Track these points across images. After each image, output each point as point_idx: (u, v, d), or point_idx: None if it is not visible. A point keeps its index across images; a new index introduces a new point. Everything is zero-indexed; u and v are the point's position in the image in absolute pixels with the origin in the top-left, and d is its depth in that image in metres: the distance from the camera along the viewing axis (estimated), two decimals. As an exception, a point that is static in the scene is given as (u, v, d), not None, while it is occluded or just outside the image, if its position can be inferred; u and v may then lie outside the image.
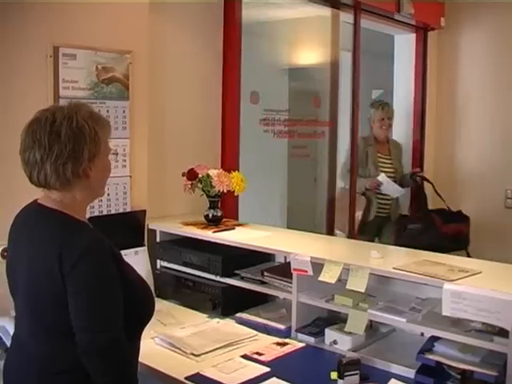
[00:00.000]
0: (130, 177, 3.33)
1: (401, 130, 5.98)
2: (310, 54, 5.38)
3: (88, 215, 3.10)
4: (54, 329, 1.91)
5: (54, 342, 1.92)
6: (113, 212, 3.28)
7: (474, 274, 2.51)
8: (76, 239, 1.88)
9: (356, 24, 5.16)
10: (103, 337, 1.84)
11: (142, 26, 3.38)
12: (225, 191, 3.44)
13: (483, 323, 2.35)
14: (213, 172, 3.46)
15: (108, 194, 3.23)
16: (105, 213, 3.25)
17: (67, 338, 1.86)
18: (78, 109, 1.96)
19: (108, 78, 3.23)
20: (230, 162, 4.01)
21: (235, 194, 3.55)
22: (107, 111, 3.22)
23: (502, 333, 2.27)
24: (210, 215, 3.53)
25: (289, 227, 4.70)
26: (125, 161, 3.30)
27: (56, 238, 1.89)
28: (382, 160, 5.35)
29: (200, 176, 3.45)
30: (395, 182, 5.26)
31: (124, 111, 3.29)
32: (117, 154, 2.05)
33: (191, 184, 3.47)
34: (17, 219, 2.10)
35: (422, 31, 5.92)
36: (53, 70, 3.00)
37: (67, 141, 1.88)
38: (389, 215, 5.37)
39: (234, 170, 3.56)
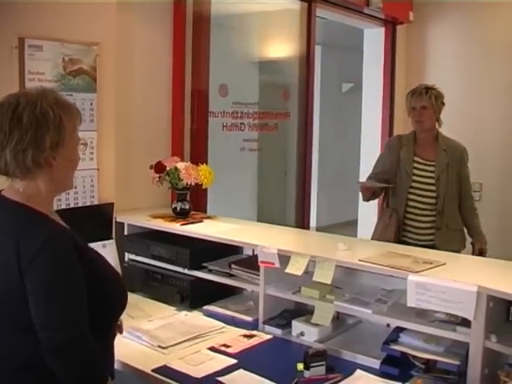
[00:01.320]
0: (98, 169, 3.32)
1: (369, 124, 6.01)
2: (280, 48, 5.38)
3: (55, 208, 3.11)
4: (12, 324, 1.85)
5: (12, 337, 1.85)
6: (80, 205, 3.27)
7: (438, 266, 2.54)
8: (34, 232, 1.82)
9: (310, 15, 5.12)
10: (64, 334, 1.78)
11: (110, 18, 3.37)
12: (193, 184, 3.44)
13: (447, 314, 2.39)
14: (180, 165, 3.45)
15: (75, 187, 3.20)
16: (72, 206, 3.23)
17: (27, 333, 1.80)
18: (45, 95, 1.88)
19: (75, 70, 3.21)
20: (198, 155, 4.00)
21: (203, 186, 3.55)
22: (74, 104, 3.18)
23: (465, 323, 2.31)
24: (178, 208, 3.52)
25: (259, 220, 4.71)
26: (92, 153, 3.29)
27: (14, 231, 1.83)
28: (420, 167, 3.96)
29: (168, 169, 3.44)
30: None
31: (91, 103, 3.27)
32: (86, 145, 1.96)
33: (159, 177, 3.46)
34: None
35: (390, 25, 5.95)
36: (18, 61, 2.98)
37: (28, 126, 1.81)
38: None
39: (203, 163, 3.56)
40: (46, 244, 1.79)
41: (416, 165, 3.99)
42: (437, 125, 4.01)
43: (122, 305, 2.07)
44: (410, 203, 3.95)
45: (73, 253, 1.84)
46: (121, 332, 2.28)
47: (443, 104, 3.99)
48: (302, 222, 5.19)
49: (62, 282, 1.80)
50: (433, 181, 3.92)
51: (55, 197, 2.06)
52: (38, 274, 1.77)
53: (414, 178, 3.98)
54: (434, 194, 3.91)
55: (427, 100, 3.92)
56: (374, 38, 6.03)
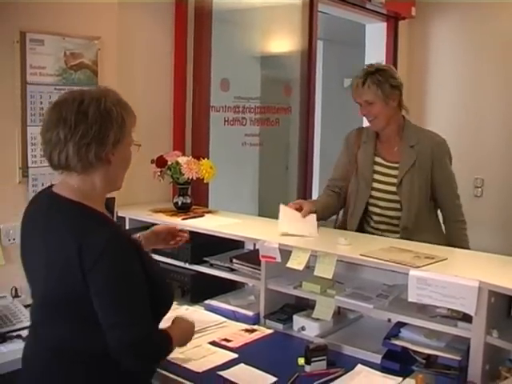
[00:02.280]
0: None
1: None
2: (282, 42, 5.37)
3: (56, 202, 3.11)
4: (72, 318, 1.89)
5: (72, 331, 1.89)
6: (81, 199, 3.25)
7: (439, 261, 2.53)
8: (95, 233, 1.83)
9: (312, 10, 5.12)
10: (134, 332, 1.84)
11: (111, 12, 3.36)
12: (194, 178, 3.44)
13: (448, 309, 2.39)
14: (182, 159, 3.46)
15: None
16: (73, 200, 3.22)
17: (86, 327, 1.86)
18: (107, 93, 1.93)
19: (76, 65, 3.21)
20: (199, 150, 4.00)
21: (205, 181, 3.54)
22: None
23: (466, 318, 2.31)
24: (180, 202, 3.52)
25: (260, 215, 4.71)
26: (93, 148, 3.28)
27: (74, 231, 1.84)
28: (383, 170, 3.23)
29: (169, 163, 3.44)
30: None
31: (92, 98, 3.26)
32: (139, 146, 2.02)
33: (160, 171, 3.46)
34: (31, 206, 2.06)
35: (392, 20, 5.93)
36: (20, 55, 2.97)
37: (94, 121, 1.84)
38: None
39: (204, 158, 3.56)
40: (108, 245, 1.81)
41: (377, 168, 3.23)
42: (404, 112, 3.24)
43: (166, 311, 2.08)
44: (371, 219, 3.27)
45: (134, 252, 1.89)
46: None
47: (395, 87, 3.14)
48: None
49: (127, 281, 1.84)
50: (394, 188, 3.17)
51: (106, 196, 2.04)
52: (103, 275, 1.80)
53: (375, 185, 3.23)
54: (397, 206, 3.17)
55: (367, 91, 3.11)
56: (375, 33, 6.00)
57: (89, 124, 1.84)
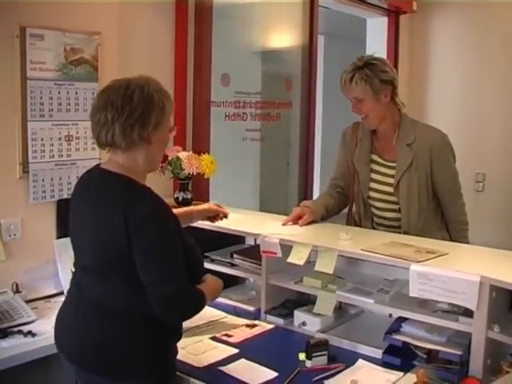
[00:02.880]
0: (100, 159, 3.30)
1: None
2: (283, 37, 5.35)
3: (57, 198, 3.12)
4: (118, 278, 2.07)
5: (117, 289, 2.08)
6: (82, 195, 3.25)
7: (440, 256, 2.53)
8: (140, 200, 2.05)
9: (313, 4, 5.10)
10: (175, 286, 2.03)
11: (111, 7, 3.35)
12: (194, 173, 3.43)
13: (449, 304, 2.38)
14: (182, 154, 3.45)
15: (77, 177, 3.17)
16: (74, 195, 3.22)
17: (127, 290, 2.06)
18: (150, 81, 2.15)
19: (76, 60, 3.20)
20: (200, 145, 3.99)
21: (205, 176, 3.54)
22: (76, 93, 3.19)
23: (467, 313, 2.30)
24: (180, 198, 3.52)
25: (262, 210, 4.70)
26: (94, 143, 3.25)
27: (121, 200, 2.04)
28: (380, 170, 3.13)
29: (170, 158, 3.44)
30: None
31: (93, 93, 3.24)
32: (174, 130, 2.37)
33: (161, 166, 3.45)
34: (81, 181, 2.27)
35: (393, 15, 5.91)
36: (19, 51, 2.95)
37: (138, 105, 2.06)
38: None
39: (205, 153, 3.55)
40: (153, 210, 2.04)
41: (374, 166, 3.12)
42: (399, 107, 3.08)
43: (200, 273, 2.30)
44: (373, 219, 3.21)
45: (173, 221, 2.12)
46: None
47: (385, 82, 2.96)
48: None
49: (168, 242, 2.05)
50: (392, 189, 3.06)
51: (147, 173, 2.24)
52: (147, 236, 2.01)
53: (372, 185, 3.13)
54: (395, 207, 3.08)
55: (355, 88, 2.95)
56: (377, 27, 5.98)
57: (133, 107, 2.06)
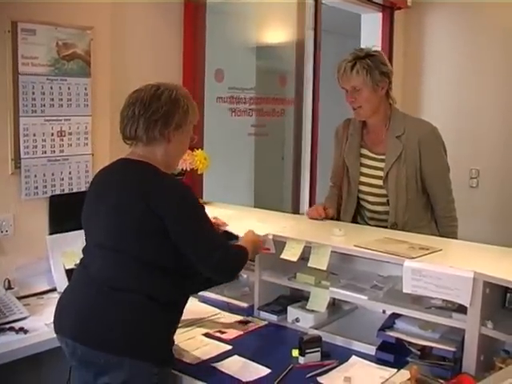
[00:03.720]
0: (92, 155, 3.29)
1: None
2: (277, 33, 5.34)
3: (49, 194, 3.11)
4: (134, 255, 2.16)
5: (130, 265, 2.17)
6: (75, 190, 3.23)
7: (434, 252, 2.53)
8: (164, 181, 2.21)
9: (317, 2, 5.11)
10: (222, 251, 2.24)
11: (104, 2, 3.32)
12: (188, 169, 3.42)
13: (443, 300, 2.38)
14: (176, 150, 3.43)
15: (70, 173, 3.19)
16: (66, 191, 3.20)
17: (146, 265, 2.16)
18: (178, 88, 2.33)
19: (69, 55, 3.17)
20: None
21: (199, 172, 3.53)
22: (68, 88, 3.16)
23: (461, 309, 2.30)
24: (174, 194, 3.50)
25: (256, 206, 4.69)
26: (87, 139, 3.26)
27: (145, 182, 2.20)
28: (370, 163, 3.13)
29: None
30: None
31: (85, 88, 3.23)
32: (195, 139, 2.47)
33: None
34: (102, 171, 2.40)
35: (388, 10, 5.90)
36: (11, 45, 2.93)
37: (164, 103, 2.23)
38: None
39: (198, 149, 3.54)
40: (179, 189, 2.21)
41: (364, 160, 3.12)
42: (391, 101, 3.09)
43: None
44: (364, 215, 3.20)
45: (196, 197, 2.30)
46: None
47: (384, 74, 2.99)
48: (297, 208, 5.18)
49: (203, 215, 2.24)
50: (381, 182, 3.07)
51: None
52: (181, 212, 2.16)
53: (362, 179, 3.13)
54: (385, 200, 3.08)
55: (356, 77, 2.94)
56: (371, 23, 5.97)
57: (160, 105, 2.23)
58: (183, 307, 2.33)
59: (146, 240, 2.16)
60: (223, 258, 2.25)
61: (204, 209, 2.26)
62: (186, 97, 2.32)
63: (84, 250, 2.34)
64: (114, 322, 2.11)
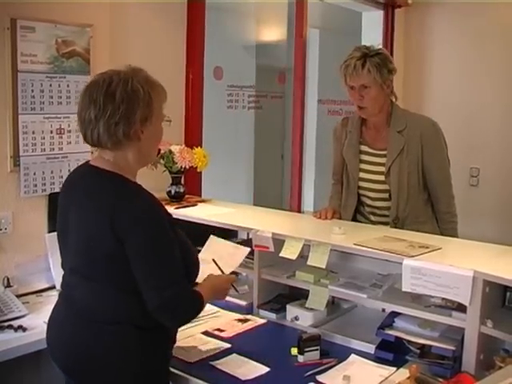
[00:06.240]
0: (91, 153, 3.28)
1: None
2: (277, 31, 5.34)
3: (48, 191, 3.10)
4: (106, 281, 2.01)
5: (105, 293, 2.01)
6: (74, 188, 3.22)
7: (434, 250, 2.52)
8: (131, 200, 1.99)
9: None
10: (173, 290, 1.98)
11: (103, 0, 3.32)
12: (187, 167, 3.42)
13: (443, 298, 2.37)
14: (175, 148, 3.43)
15: (69, 170, 3.17)
16: (65, 189, 3.19)
17: (120, 291, 2.00)
18: (135, 73, 2.05)
19: (68, 52, 3.17)
20: (192, 138, 3.97)
21: (198, 170, 3.52)
22: (67, 86, 3.16)
23: (461, 308, 2.29)
24: (173, 191, 3.50)
25: (256, 204, 4.69)
26: (86, 136, 3.25)
27: (110, 198, 1.98)
28: (369, 159, 3.13)
29: (162, 152, 3.41)
30: None
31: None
32: (170, 121, 2.26)
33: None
34: (69, 179, 2.20)
35: (389, 8, 5.89)
36: (10, 43, 2.92)
37: (121, 102, 1.97)
38: None
39: (197, 146, 3.53)
40: (144, 211, 1.97)
41: (363, 157, 3.12)
42: (393, 98, 3.09)
43: (196, 274, 2.20)
44: (364, 211, 3.21)
45: (166, 220, 2.03)
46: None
47: (391, 72, 2.99)
48: (297, 206, 5.17)
49: (163, 244, 1.98)
50: (383, 177, 3.07)
51: (140, 169, 2.17)
52: (139, 239, 1.95)
53: (362, 175, 3.14)
54: (387, 196, 3.08)
55: (367, 75, 2.92)
56: (372, 21, 5.96)
57: (116, 104, 1.97)
58: (174, 331, 2.22)
59: (113, 265, 1.99)
60: (174, 300, 1.99)
61: (168, 233, 2.00)
62: (146, 82, 2.04)
63: (63, 267, 2.20)
64: (102, 358, 2.02)
